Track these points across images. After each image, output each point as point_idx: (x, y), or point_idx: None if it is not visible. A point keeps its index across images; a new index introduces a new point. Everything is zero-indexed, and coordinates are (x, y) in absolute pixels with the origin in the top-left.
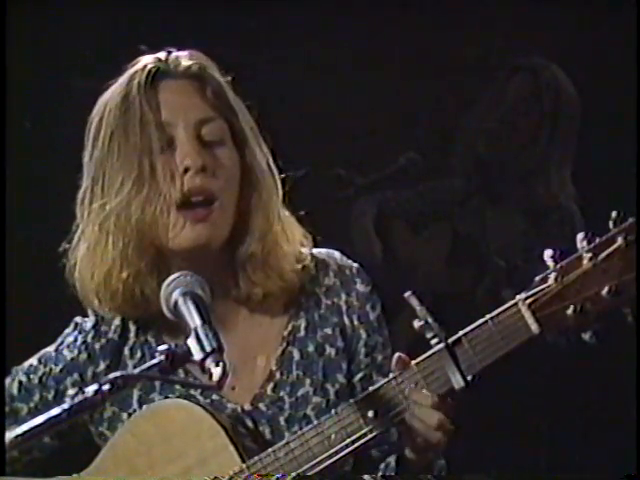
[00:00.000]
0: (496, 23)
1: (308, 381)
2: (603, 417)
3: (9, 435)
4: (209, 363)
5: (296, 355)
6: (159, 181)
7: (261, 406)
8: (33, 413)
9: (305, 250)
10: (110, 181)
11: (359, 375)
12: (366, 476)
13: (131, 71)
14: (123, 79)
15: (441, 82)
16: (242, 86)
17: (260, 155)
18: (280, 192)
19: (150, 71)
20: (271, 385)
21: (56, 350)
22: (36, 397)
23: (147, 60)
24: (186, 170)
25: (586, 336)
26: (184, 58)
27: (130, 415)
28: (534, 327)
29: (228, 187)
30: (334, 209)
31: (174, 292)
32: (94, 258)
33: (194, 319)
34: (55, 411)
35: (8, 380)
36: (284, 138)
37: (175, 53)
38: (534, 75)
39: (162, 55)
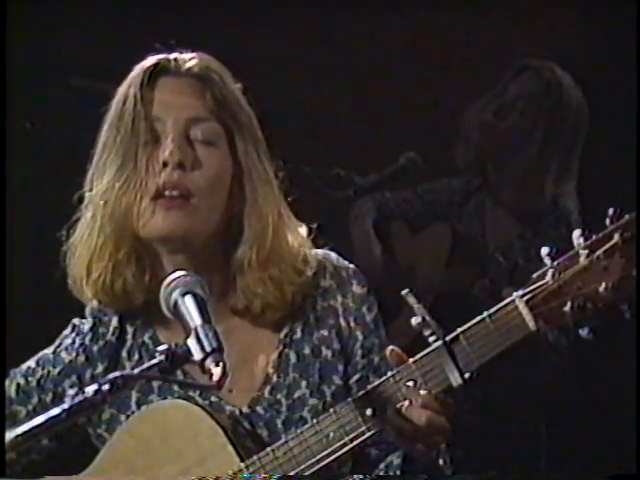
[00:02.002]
0: (497, 23)
1: (304, 383)
2: (603, 416)
3: (9, 435)
4: (209, 363)
5: (292, 357)
6: (139, 172)
7: (259, 409)
8: (31, 416)
9: (303, 251)
10: (102, 170)
11: (355, 377)
12: (355, 476)
13: (138, 67)
14: (131, 74)
15: (441, 82)
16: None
17: (257, 161)
18: (280, 198)
19: (150, 67)
20: (268, 388)
21: (54, 352)
22: (34, 400)
23: (154, 57)
24: (165, 164)
25: (584, 332)
26: (190, 58)
27: (128, 417)
28: (532, 324)
29: (209, 187)
30: (334, 209)
31: (174, 292)
32: (83, 245)
33: (194, 319)
34: (55, 411)
35: (6, 382)
36: (284, 138)
37: (184, 54)
38: (537, 76)
39: (171, 55)
